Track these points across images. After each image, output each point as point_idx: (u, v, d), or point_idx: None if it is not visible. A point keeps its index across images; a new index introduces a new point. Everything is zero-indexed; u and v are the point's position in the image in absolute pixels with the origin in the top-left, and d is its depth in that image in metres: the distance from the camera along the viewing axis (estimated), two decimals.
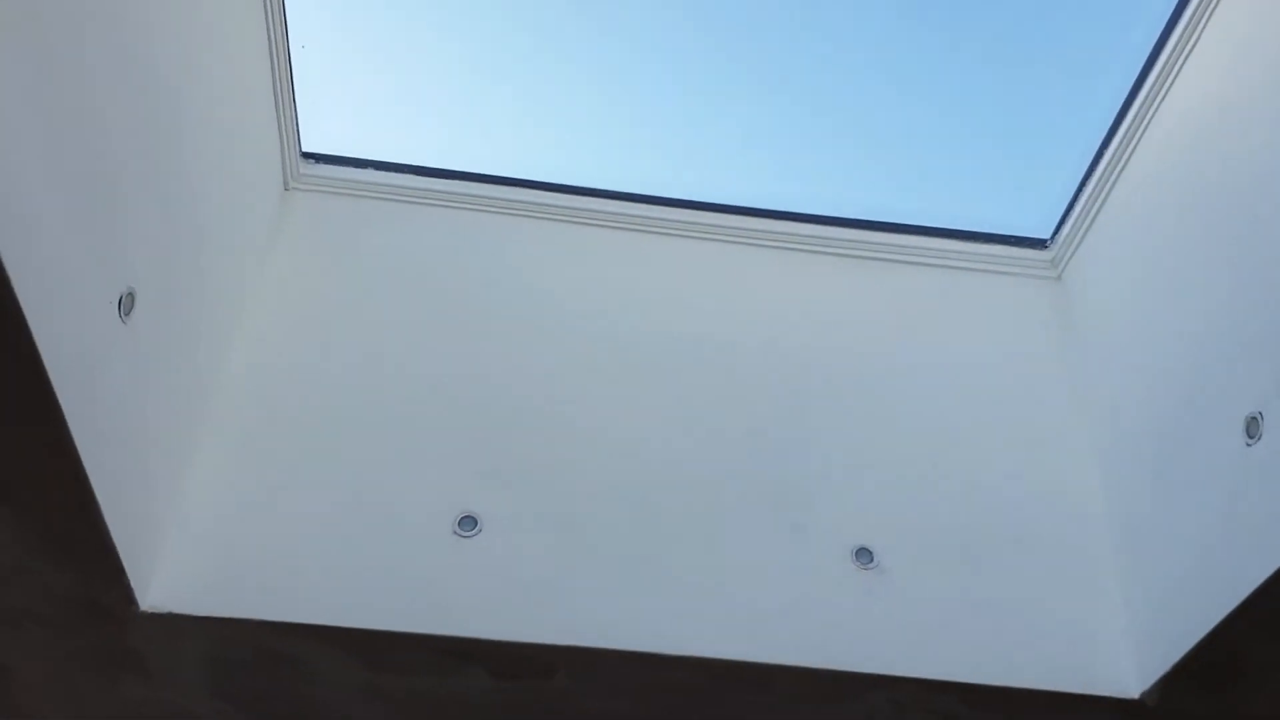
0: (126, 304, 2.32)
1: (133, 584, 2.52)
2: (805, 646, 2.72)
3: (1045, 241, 3.54)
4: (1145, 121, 3.06)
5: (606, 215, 3.47)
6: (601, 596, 2.74)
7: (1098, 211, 3.30)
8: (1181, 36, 2.87)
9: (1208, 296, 2.68)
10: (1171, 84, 2.93)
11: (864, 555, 2.86)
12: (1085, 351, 3.22)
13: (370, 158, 3.42)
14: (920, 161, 3.83)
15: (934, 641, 2.76)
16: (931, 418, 3.16)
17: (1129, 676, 2.72)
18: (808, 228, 3.51)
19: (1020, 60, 3.52)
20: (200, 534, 2.72)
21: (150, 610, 2.58)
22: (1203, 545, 2.51)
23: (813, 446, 3.08)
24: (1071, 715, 2.77)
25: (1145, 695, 2.68)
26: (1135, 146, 3.10)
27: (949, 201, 3.67)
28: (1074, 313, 3.34)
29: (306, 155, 3.42)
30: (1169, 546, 2.65)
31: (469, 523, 2.79)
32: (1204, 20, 2.78)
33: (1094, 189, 3.29)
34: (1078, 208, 3.38)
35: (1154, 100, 3.00)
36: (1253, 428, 2.37)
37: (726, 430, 3.07)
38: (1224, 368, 2.55)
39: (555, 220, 3.45)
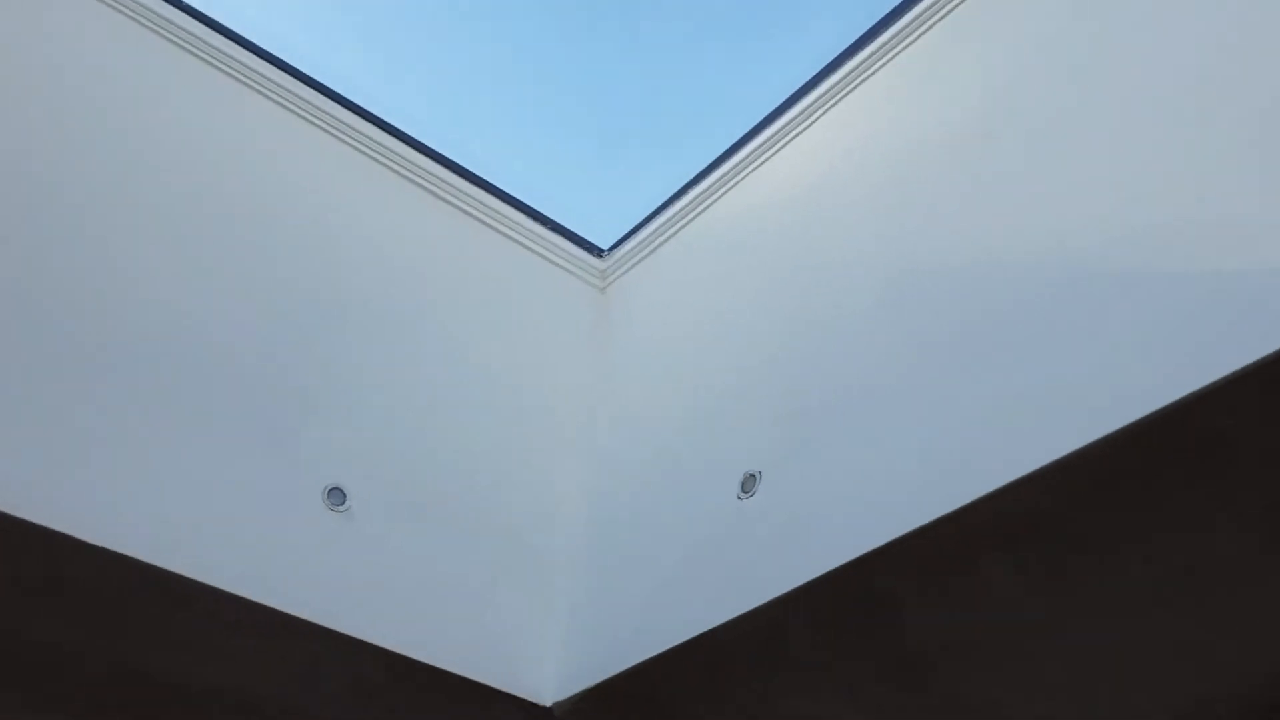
0: None
1: None
2: (244, 573, 2.41)
3: (601, 251, 3.57)
4: (735, 180, 3.17)
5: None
6: None
7: (659, 245, 3.38)
8: (800, 114, 3.02)
9: (732, 358, 2.81)
10: (773, 154, 3.07)
11: (336, 495, 2.63)
12: (613, 367, 3.25)
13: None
14: (537, 131, 3.71)
15: (376, 601, 2.59)
16: (449, 378, 3.01)
17: (548, 685, 2.74)
18: (406, 149, 3.26)
19: (668, 72, 3.54)
20: None
21: None
22: (661, 583, 2.59)
23: (323, 366, 2.79)
24: (481, 707, 2.74)
25: (557, 706, 2.70)
26: (718, 199, 3.21)
27: (538, 175, 3.57)
28: (612, 327, 3.37)
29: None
30: (631, 577, 2.71)
31: None
32: (825, 107, 2.95)
33: (665, 222, 3.36)
34: (643, 233, 3.44)
35: (752, 163, 3.12)
36: (749, 484, 2.49)
37: (242, 313, 2.70)
38: (728, 428, 2.67)
39: None
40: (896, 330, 2.35)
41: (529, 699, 2.73)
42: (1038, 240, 2.16)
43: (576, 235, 3.54)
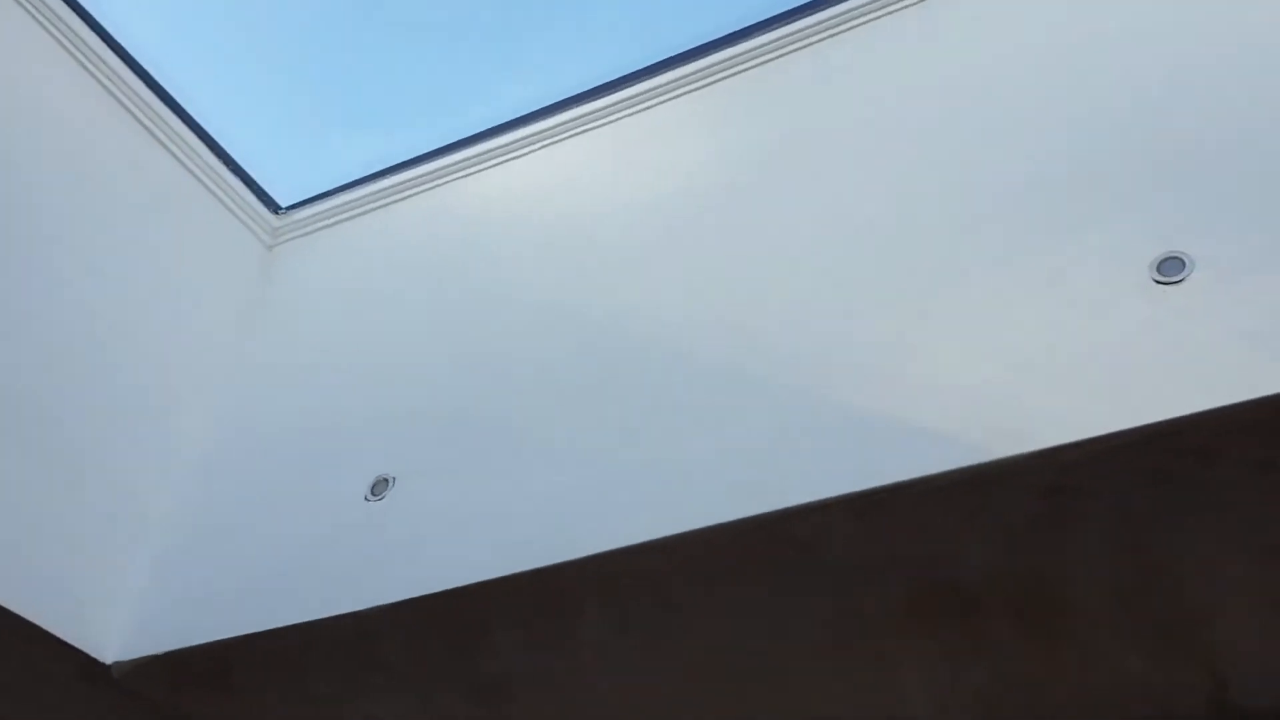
0: None
1: None
2: None
3: (279, 207, 3.45)
4: (440, 180, 3.18)
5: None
6: None
7: (343, 220, 3.32)
8: (522, 139, 3.08)
9: (391, 356, 2.83)
10: (486, 169, 3.11)
11: None
12: (266, 331, 3.14)
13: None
14: (256, 75, 3.51)
15: None
16: (86, 297, 2.79)
17: (112, 642, 2.59)
18: (95, 40, 3.00)
19: (416, 56, 3.46)
20: None
21: None
22: (267, 567, 2.54)
23: None
24: (29, 651, 2.54)
25: (117, 665, 2.57)
26: (418, 194, 3.21)
27: (241, 117, 3.39)
28: (273, 289, 3.26)
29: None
30: (235, 553, 2.62)
31: None
32: (546, 142, 3.04)
33: (357, 199, 3.31)
34: (330, 202, 3.37)
35: (463, 169, 3.15)
36: (379, 487, 2.51)
37: None
38: (371, 426, 2.68)
39: None
40: (553, 376, 2.47)
41: (86, 651, 2.57)
42: (702, 325, 2.36)
43: (256, 184, 3.40)
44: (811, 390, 2.11)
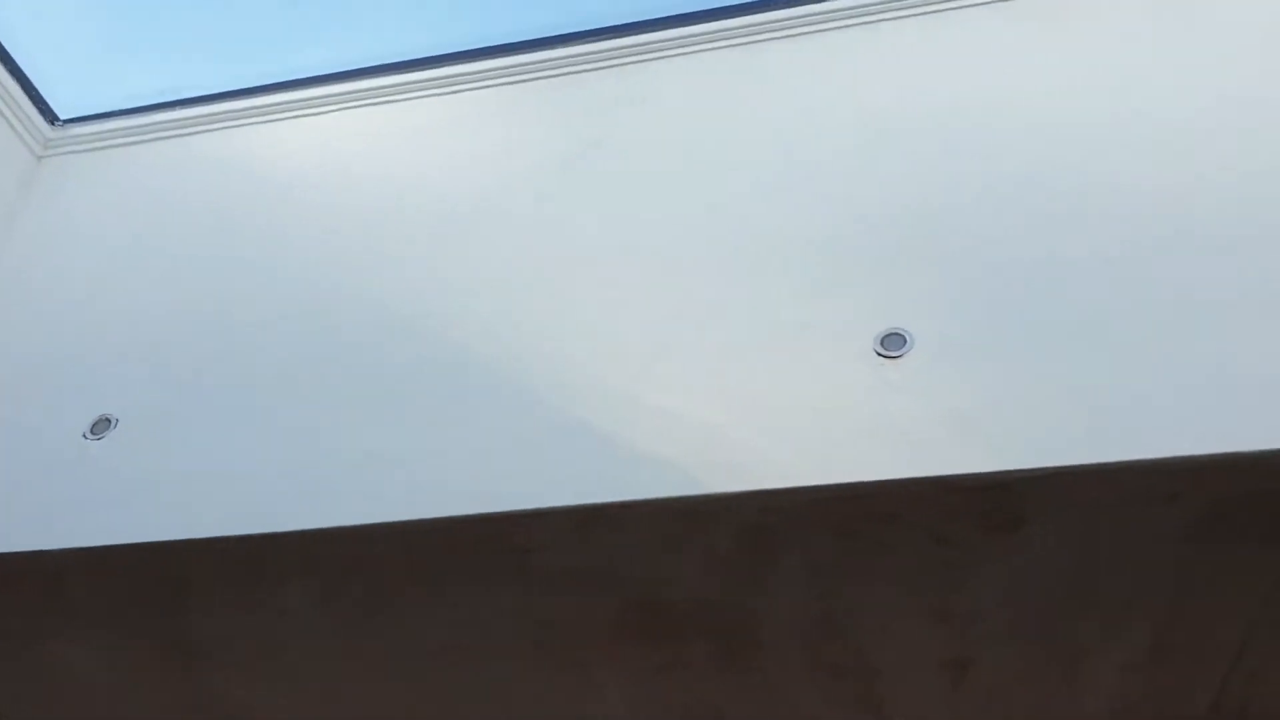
0: None
1: None
2: None
3: (56, 118, 3.27)
4: (240, 119, 3.07)
5: None
6: None
7: (125, 144, 3.17)
8: (339, 95, 3.01)
9: (140, 293, 2.71)
10: (291, 118, 3.01)
11: None
12: (19, 243, 2.96)
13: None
14: None
15: None
16: None
17: None
18: None
19: None
20: None
21: None
22: None
23: None
24: None
25: None
26: (205, 130, 3.09)
27: (38, 22, 3.17)
28: (35, 202, 3.07)
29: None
30: None
31: None
32: (363, 102, 2.97)
33: (144, 126, 3.16)
34: (112, 124, 3.21)
35: (266, 114, 3.04)
36: (100, 427, 2.42)
37: None
38: (106, 362, 2.57)
39: None
40: (300, 347, 2.42)
41: None
42: (460, 320, 2.37)
43: (34, 88, 3.21)
44: (550, 401, 2.16)
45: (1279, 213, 2.02)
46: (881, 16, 2.55)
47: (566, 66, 2.86)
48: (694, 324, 2.21)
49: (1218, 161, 2.10)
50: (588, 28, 2.94)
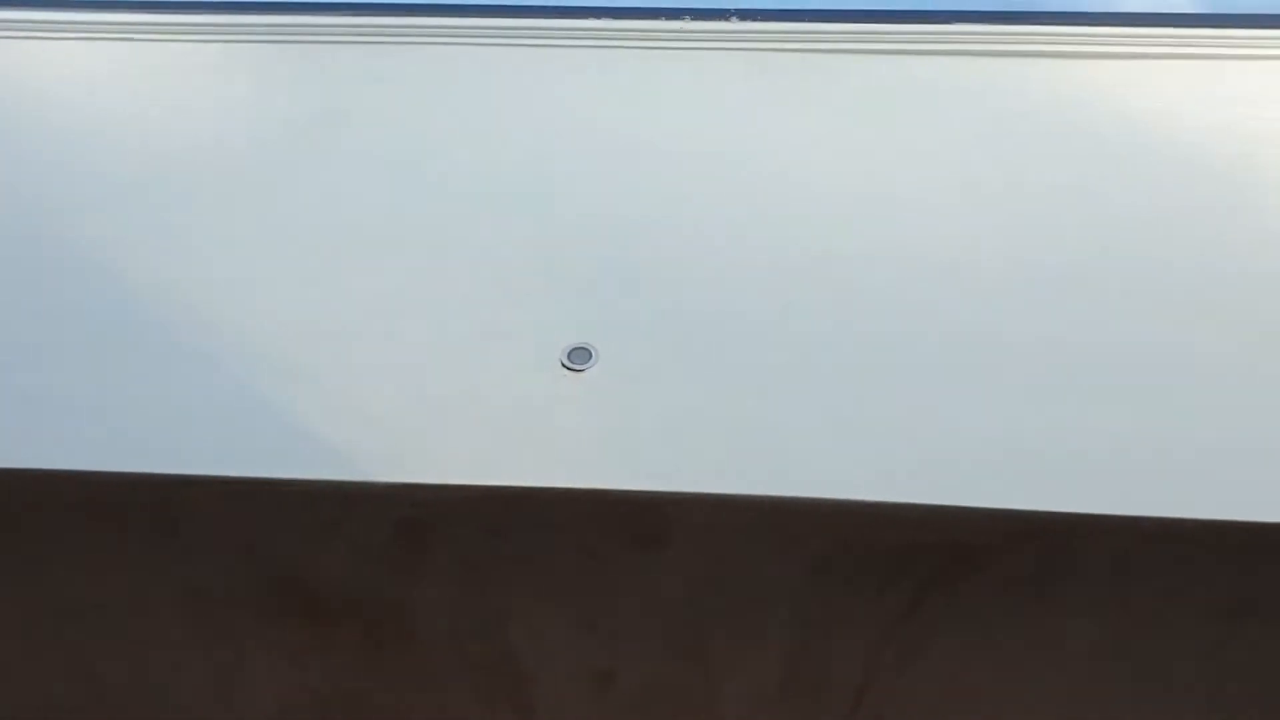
0: None
1: None
2: None
3: None
4: None
5: None
6: None
7: None
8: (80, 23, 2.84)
9: None
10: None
11: None
12: None
13: None
14: None
15: None
16: None
17: None
18: None
19: None
20: None
21: None
22: None
23: None
24: None
25: None
26: None
27: None
28: None
29: None
30: None
31: None
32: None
33: None
34: None
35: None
36: None
37: None
38: None
39: None
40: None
41: None
42: (173, 278, 2.29)
43: None
44: (226, 368, 2.10)
45: (944, 283, 2.18)
46: (623, 44, 2.63)
47: (320, 35, 2.81)
48: (387, 313, 2.20)
49: (884, 223, 2.26)
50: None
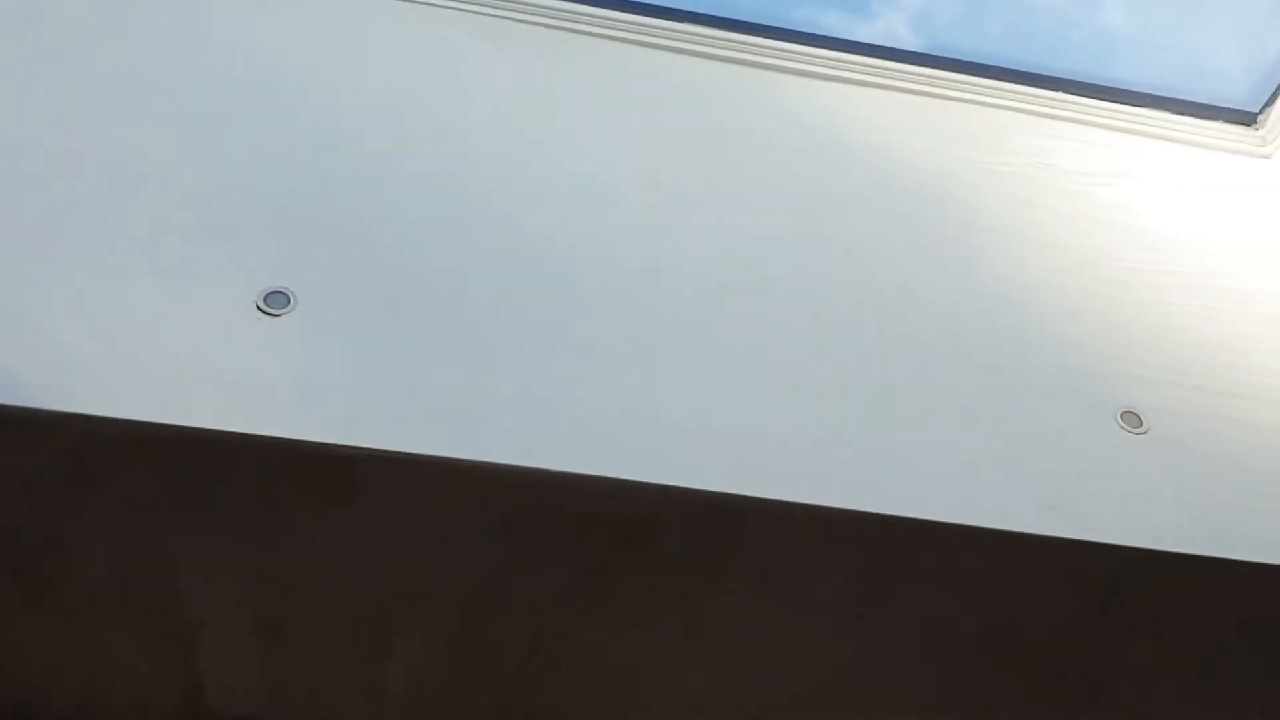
0: None
1: None
2: None
3: None
4: None
5: None
6: None
7: None
8: None
9: None
10: None
11: None
12: None
13: None
14: None
15: None
16: None
17: None
18: None
19: None
20: None
21: None
22: None
23: None
24: None
25: None
26: None
27: None
28: None
29: None
30: None
31: None
32: None
33: None
34: None
35: None
36: None
37: None
38: None
39: None
40: None
41: None
42: None
43: None
44: None
45: (643, 271, 2.28)
46: None
47: None
48: (71, 236, 2.07)
49: (592, 205, 2.36)
50: None
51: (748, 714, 2.47)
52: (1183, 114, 3.00)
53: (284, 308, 2.05)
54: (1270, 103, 3.00)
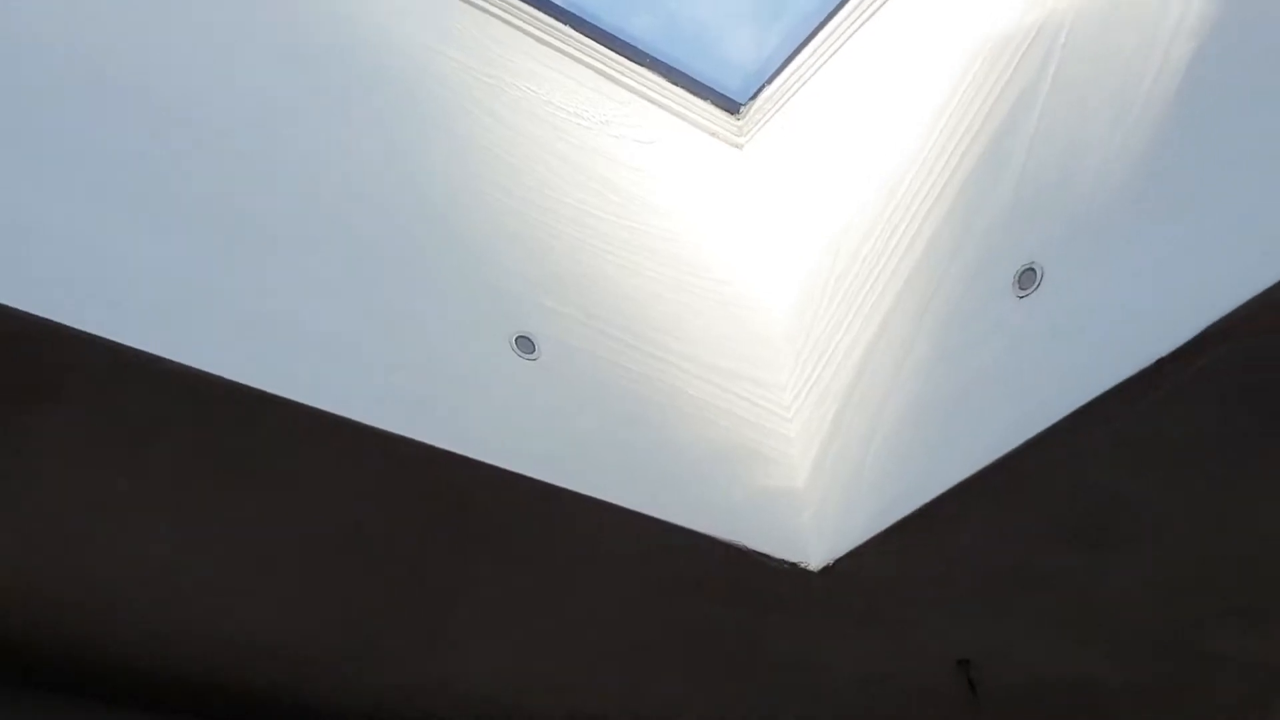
0: None
1: None
2: None
3: None
4: None
5: None
6: None
7: None
8: None
9: None
10: None
11: None
12: None
13: None
14: None
15: None
16: None
17: None
18: None
19: None
20: None
21: None
22: None
23: None
24: None
25: None
26: None
27: None
28: None
29: None
30: None
31: None
32: None
33: None
34: None
35: None
36: None
37: None
38: None
39: None
40: None
41: None
42: None
43: None
44: None
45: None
46: None
47: None
48: None
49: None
50: None
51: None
52: (678, 84, 3.11)
53: None
54: (754, 96, 3.19)
